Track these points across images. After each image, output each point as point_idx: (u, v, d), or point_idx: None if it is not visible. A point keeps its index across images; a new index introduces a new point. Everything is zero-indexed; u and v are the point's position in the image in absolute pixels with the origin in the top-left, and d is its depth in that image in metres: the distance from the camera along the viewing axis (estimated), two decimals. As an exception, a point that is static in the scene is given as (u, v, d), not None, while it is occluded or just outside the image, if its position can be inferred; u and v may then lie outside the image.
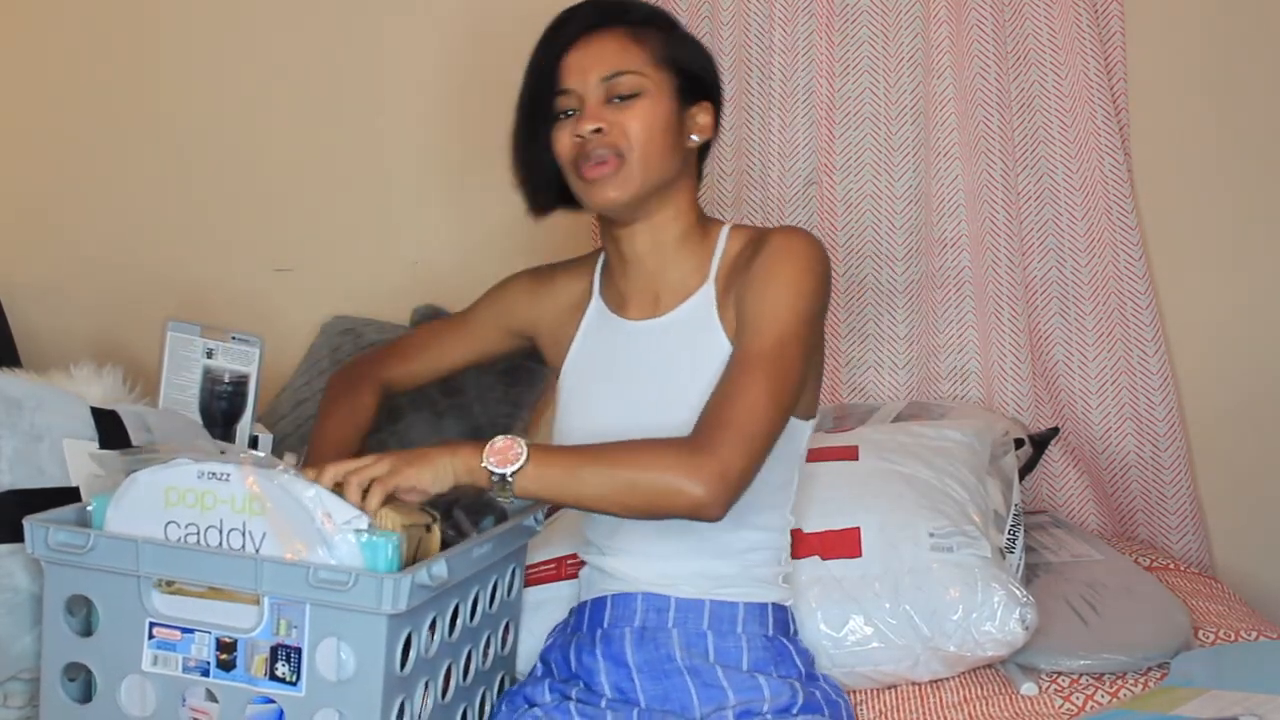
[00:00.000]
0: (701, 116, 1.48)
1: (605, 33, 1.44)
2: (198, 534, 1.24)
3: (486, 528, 1.39)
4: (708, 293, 1.46)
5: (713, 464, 1.28)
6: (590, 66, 1.42)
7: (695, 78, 1.48)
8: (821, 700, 1.42)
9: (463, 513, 1.38)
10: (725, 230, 1.50)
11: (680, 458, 1.29)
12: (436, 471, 1.27)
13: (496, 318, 1.64)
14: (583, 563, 1.55)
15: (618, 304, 1.53)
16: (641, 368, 1.47)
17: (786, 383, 1.36)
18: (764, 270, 1.41)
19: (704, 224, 1.51)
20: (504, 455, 1.27)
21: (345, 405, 1.64)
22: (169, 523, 1.24)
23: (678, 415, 1.37)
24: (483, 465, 1.27)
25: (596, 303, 1.55)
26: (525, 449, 1.27)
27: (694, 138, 1.47)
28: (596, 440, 1.35)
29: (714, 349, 1.43)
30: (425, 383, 1.73)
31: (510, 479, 1.27)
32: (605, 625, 1.45)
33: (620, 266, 1.51)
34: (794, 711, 1.38)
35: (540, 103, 1.44)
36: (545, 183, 1.48)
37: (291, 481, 1.22)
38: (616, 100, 1.42)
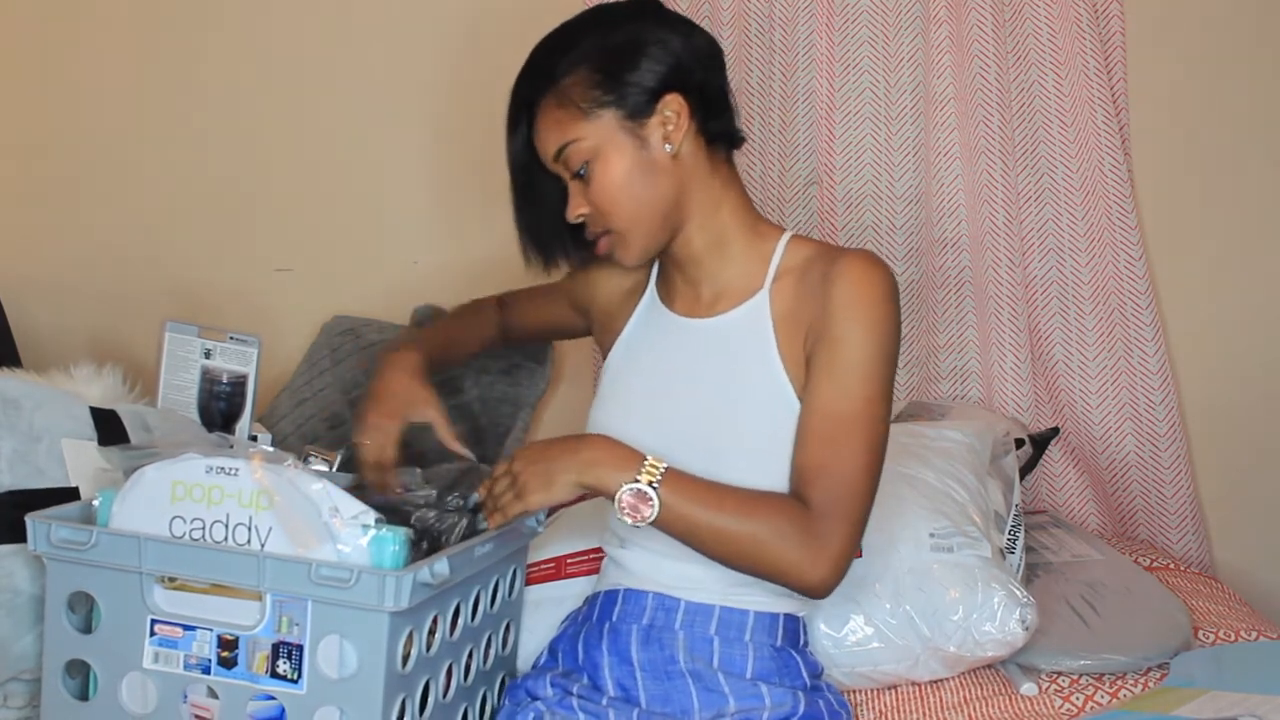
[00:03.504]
0: (669, 114, 1.39)
1: (539, 109, 1.40)
2: (203, 529, 1.24)
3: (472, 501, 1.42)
4: (761, 302, 1.42)
5: (827, 558, 1.32)
6: (543, 149, 1.42)
7: (630, 90, 1.38)
8: (824, 710, 1.41)
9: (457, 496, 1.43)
10: (784, 239, 1.45)
11: (801, 542, 1.31)
12: (555, 493, 1.33)
13: (569, 291, 1.66)
14: (585, 561, 1.55)
15: (669, 297, 1.51)
16: (684, 367, 1.44)
17: (880, 446, 1.36)
18: (844, 316, 1.36)
19: (758, 226, 1.47)
20: (635, 513, 1.31)
21: (471, 311, 1.70)
22: (174, 518, 1.25)
23: (711, 419, 1.38)
24: (619, 516, 1.32)
25: (651, 292, 1.53)
26: (656, 507, 1.30)
27: (668, 147, 1.39)
28: (630, 433, 1.38)
29: (761, 361, 1.39)
30: (520, 340, 1.78)
31: (639, 525, 1.32)
32: (614, 620, 1.45)
33: (671, 260, 1.49)
34: (793, 721, 1.38)
35: (523, 177, 1.45)
36: (554, 231, 1.48)
37: (299, 475, 1.22)
38: (579, 175, 1.40)
